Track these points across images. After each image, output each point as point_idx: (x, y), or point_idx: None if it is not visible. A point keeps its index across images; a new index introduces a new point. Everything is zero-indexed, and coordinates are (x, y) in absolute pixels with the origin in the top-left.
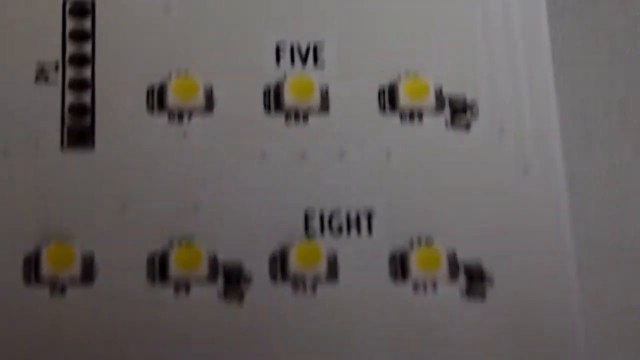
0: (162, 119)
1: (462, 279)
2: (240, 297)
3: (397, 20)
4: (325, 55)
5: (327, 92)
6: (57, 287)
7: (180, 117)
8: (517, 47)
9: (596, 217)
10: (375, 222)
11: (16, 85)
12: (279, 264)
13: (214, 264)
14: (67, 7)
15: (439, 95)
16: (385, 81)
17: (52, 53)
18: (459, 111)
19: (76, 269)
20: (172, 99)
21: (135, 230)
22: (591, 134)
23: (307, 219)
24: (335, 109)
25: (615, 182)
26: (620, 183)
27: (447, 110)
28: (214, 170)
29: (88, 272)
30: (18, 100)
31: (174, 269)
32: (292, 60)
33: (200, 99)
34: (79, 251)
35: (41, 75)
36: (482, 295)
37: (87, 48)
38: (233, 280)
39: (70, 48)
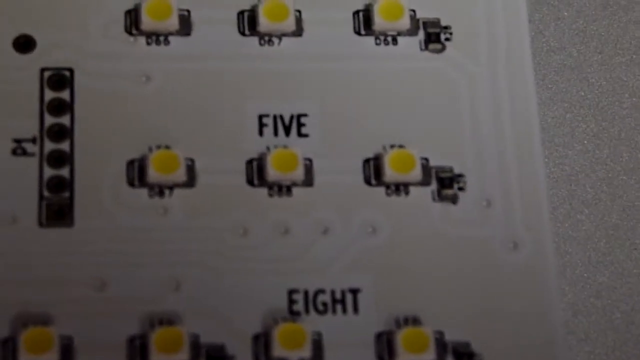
0: (142, 194)
1: None
2: None
3: (383, 92)
4: (309, 126)
5: (311, 165)
6: None
7: (161, 192)
8: (503, 118)
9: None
10: (361, 301)
11: None
12: (262, 346)
13: (195, 346)
14: (45, 77)
15: (426, 168)
16: (370, 154)
17: (30, 127)
18: (445, 184)
19: (54, 354)
20: (152, 173)
21: (114, 311)
22: (577, 198)
23: (291, 298)
24: (320, 181)
25: (603, 244)
26: (608, 244)
27: (433, 183)
28: (196, 247)
29: (67, 355)
30: None
31: (154, 351)
32: (276, 131)
33: (181, 173)
34: (57, 334)
35: (18, 148)
36: None
37: (66, 120)
38: None
39: (49, 120)
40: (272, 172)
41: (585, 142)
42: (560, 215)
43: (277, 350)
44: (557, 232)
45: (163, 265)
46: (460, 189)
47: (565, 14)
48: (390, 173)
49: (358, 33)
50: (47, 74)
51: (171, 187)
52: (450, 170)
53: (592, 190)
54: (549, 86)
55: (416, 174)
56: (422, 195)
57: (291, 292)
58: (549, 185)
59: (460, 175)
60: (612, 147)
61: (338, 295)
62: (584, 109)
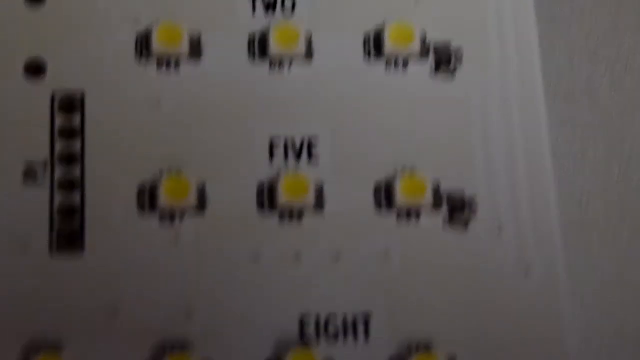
0: (153, 220)
1: None
2: None
3: (394, 116)
4: (320, 151)
5: (322, 190)
6: None
7: (172, 218)
8: (515, 142)
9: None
10: (372, 327)
11: (3, 186)
12: None
13: None
14: (56, 102)
15: (437, 193)
16: (381, 178)
17: (41, 151)
18: (457, 209)
19: None
20: (163, 199)
21: (126, 337)
22: (588, 220)
23: (302, 324)
24: (331, 207)
25: (614, 267)
26: (619, 266)
27: (445, 208)
28: (207, 273)
29: None
30: (5, 202)
31: None
32: (286, 156)
33: (192, 199)
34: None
35: (29, 175)
36: None
37: (77, 146)
38: None
39: (59, 146)
40: (283, 198)
41: (596, 164)
42: (571, 238)
43: None
44: (569, 255)
45: (174, 291)
46: (472, 213)
47: (576, 36)
48: (402, 198)
49: (369, 57)
50: (57, 99)
51: (182, 213)
52: (462, 194)
53: (603, 212)
54: (560, 109)
55: (427, 199)
56: (434, 220)
57: (302, 318)
58: (560, 208)
59: (471, 200)
60: (622, 169)
61: (349, 321)
62: (594, 131)
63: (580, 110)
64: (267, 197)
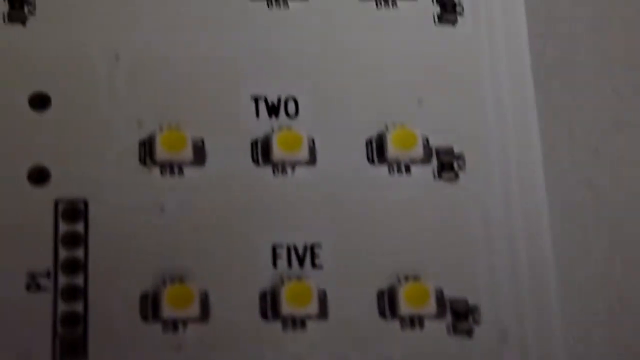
0: (156, 328)
1: None
2: None
3: (397, 220)
4: (323, 257)
5: (325, 297)
6: None
7: (176, 326)
8: (518, 248)
9: None
10: None
11: (7, 294)
12: None
13: None
14: (60, 210)
15: (440, 300)
16: (384, 285)
17: (44, 259)
18: (460, 316)
19: None
20: (166, 308)
21: None
22: (591, 317)
23: None
24: (334, 314)
25: None
26: None
27: (448, 316)
28: None
29: None
30: (9, 310)
31: None
32: (289, 262)
33: (195, 308)
34: None
35: (32, 283)
36: None
37: (80, 253)
38: None
39: (63, 254)
40: (287, 307)
41: (599, 261)
42: (573, 335)
43: None
44: (571, 352)
45: None
46: (475, 321)
47: (577, 131)
48: (405, 306)
49: (371, 161)
50: (61, 206)
51: (185, 321)
52: (465, 302)
53: (605, 309)
54: (561, 204)
55: (431, 306)
56: (438, 327)
57: None
58: (562, 307)
59: (475, 308)
60: (624, 266)
61: None
62: (597, 225)
63: (583, 204)
64: (270, 305)
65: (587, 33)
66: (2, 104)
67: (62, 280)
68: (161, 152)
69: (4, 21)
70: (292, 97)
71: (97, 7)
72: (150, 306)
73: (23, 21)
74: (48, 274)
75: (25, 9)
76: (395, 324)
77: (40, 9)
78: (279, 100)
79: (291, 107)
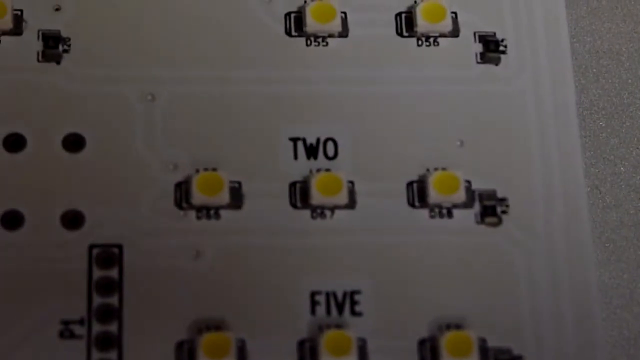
0: None
1: None
2: None
3: (438, 266)
4: (363, 304)
5: (364, 345)
6: None
7: None
8: (562, 293)
9: None
10: None
11: (40, 342)
12: None
13: None
14: (94, 255)
15: (484, 351)
16: (426, 334)
17: (78, 306)
18: None
19: None
20: (202, 356)
21: None
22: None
23: None
24: None
25: None
26: None
27: None
28: None
29: None
30: (43, 359)
31: None
32: (328, 310)
33: (232, 357)
34: None
35: (66, 330)
36: None
37: (114, 300)
38: None
39: (97, 301)
40: (325, 355)
41: None
42: None
43: None
44: None
45: None
46: None
47: (622, 169)
48: (448, 357)
49: (412, 205)
50: (95, 251)
51: None
52: (510, 353)
53: None
54: (607, 245)
55: (473, 358)
56: None
57: None
58: (608, 351)
59: (519, 358)
60: None
61: None
62: None
63: (628, 245)
64: (309, 354)
65: (633, 69)
66: (35, 146)
67: (96, 328)
68: (197, 195)
69: (38, 60)
70: (331, 138)
71: (133, 45)
72: (186, 355)
73: (58, 60)
74: (82, 321)
75: (60, 48)
76: None
77: (74, 48)
78: (317, 142)
79: (330, 148)
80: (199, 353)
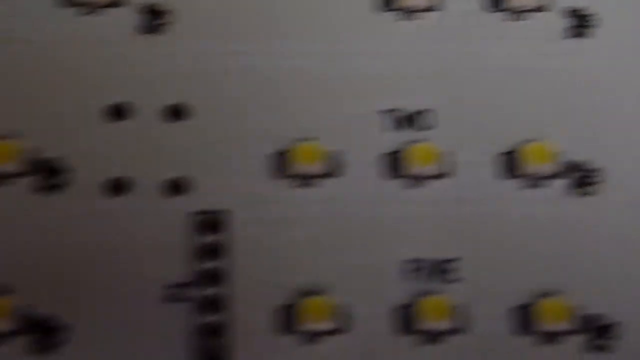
0: (294, 340)
1: None
2: None
3: (535, 236)
4: (458, 272)
5: (461, 311)
6: None
7: (313, 338)
8: None
9: None
10: None
11: (144, 305)
12: None
13: None
14: (198, 221)
15: (579, 317)
16: (522, 301)
17: (183, 271)
18: (601, 332)
19: None
20: (304, 320)
21: None
22: None
23: None
24: (470, 329)
25: None
26: None
27: (587, 333)
28: None
29: None
30: (147, 321)
31: None
32: (424, 277)
33: (332, 320)
34: None
35: (172, 294)
36: None
37: (220, 265)
38: None
39: (201, 265)
40: (422, 320)
41: None
42: None
43: None
44: None
45: None
46: (615, 340)
47: None
48: (543, 322)
49: (507, 175)
50: (199, 218)
51: (322, 334)
52: (605, 318)
53: None
54: None
55: (569, 323)
56: (575, 342)
57: None
58: None
59: (614, 325)
60: None
61: None
62: None
63: None
64: (405, 319)
65: None
66: (141, 116)
67: (202, 291)
68: (297, 164)
69: (141, 32)
70: (427, 109)
71: (234, 17)
72: (288, 318)
73: (160, 32)
74: (187, 286)
75: (162, 20)
76: (532, 340)
77: (177, 20)
78: (414, 113)
79: (426, 119)
80: (300, 317)
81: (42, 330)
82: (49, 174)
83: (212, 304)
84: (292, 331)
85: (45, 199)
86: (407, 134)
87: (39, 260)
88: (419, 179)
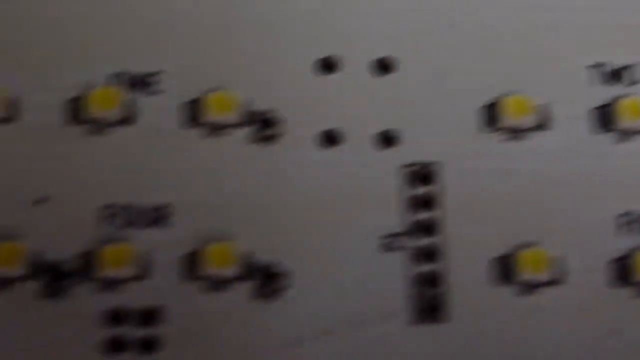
0: (511, 291)
1: None
2: None
3: None
4: None
5: None
6: None
7: (530, 289)
8: None
9: None
10: None
11: (363, 254)
12: None
13: None
14: (409, 172)
15: None
16: None
17: (397, 221)
18: None
19: None
20: (521, 271)
21: None
22: None
23: None
24: None
25: None
26: None
27: None
28: (567, 345)
29: None
30: (366, 270)
31: None
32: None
33: (549, 272)
34: None
35: (387, 244)
36: None
37: (433, 215)
38: None
39: (414, 216)
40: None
41: None
42: None
43: None
44: None
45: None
46: None
47: None
48: None
49: None
50: (410, 169)
51: (539, 284)
52: None
53: None
54: None
55: None
56: None
57: None
58: None
59: None
60: None
61: None
62: None
63: None
64: (620, 272)
65: None
66: (348, 70)
67: (416, 242)
68: (506, 117)
69: None
70: (633, 64)
71: None
72: (504, 268)
73: None
74: (402, 236)
75: None
76: None
77: None
78: (621, 67)
79: (634, 74)
80: (517, 267)
81: (264, 277)
82: (263, 126)
83: (427, 254)
84: (508, 282)
85: (261, 149)
86: (615, 89)
87: (257, 209)
88: (628, 133)
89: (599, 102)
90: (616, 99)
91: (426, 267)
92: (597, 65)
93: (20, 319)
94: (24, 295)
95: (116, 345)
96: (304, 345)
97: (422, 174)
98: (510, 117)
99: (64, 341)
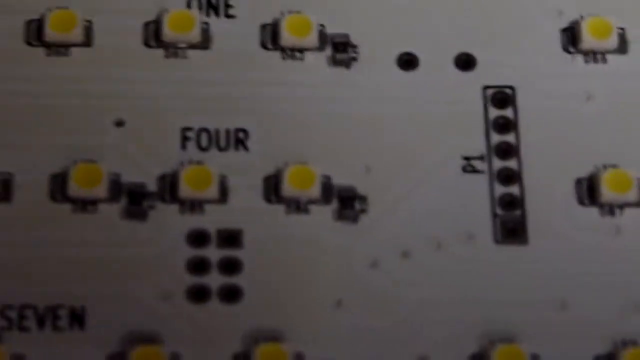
0: (593, 213)
1: None
2: None
3: None
4: None
5: None
6: None
7: (613, 210)
8: None
9: None
10: None
11: (445, 174)
12: None
13: None
14: (488, 95)
15: None
16: None
17: (478, 143)
18: None
19: None
20: (603, 192)
21: (577, 331)
22: None
23: None
24: None
25: None
26: None
27: None
28: None
29: None
30: (449, 191)
31: None
32: None
33: (635, 193)
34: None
35: (468, 165)
36: None
37: (512, 138)
38: None
39: (495, 138)
40: None
41: None
42: None
43: None
44: None
45: (618, 285)
46: None
47: None
48: None
49: None
50: (489, 92)
51: (621, 206)
52: None
53: None
54: None
55: None
56: None
57: None
58: None
59: None
60: None
61: None
62: None
63: None
64: None
65: None
66: None
67: (497, 164)
68: (587, 40)
69: None
70: None
71: None
72: (585, 190)
73: None
74: (482, 158)
75: None
76: None
77: None
78: None
79: None
80: (600, 188)
81: (344, 199)
82: (335, 49)
83: (507, 177)
84: (593, 203)
85: (339, 72)
86: None
87: (336, 132)
88: None
89: None
90: None
91: (507, 189)
92: None
93: (105, 239)
94: (109, 216)
95: (199, 265)
96: (384, 267)
97: (500, 97)
98: (591, 39)
99: (150, 260)
